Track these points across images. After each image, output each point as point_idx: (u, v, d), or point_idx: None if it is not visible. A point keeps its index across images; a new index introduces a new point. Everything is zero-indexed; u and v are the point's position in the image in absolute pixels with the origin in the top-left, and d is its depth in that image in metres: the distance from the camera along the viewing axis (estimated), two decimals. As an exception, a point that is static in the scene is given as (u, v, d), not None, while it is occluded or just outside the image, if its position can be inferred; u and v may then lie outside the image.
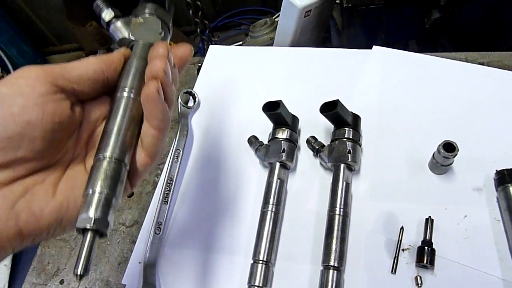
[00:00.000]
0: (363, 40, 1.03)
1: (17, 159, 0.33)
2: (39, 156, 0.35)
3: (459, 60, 0.83)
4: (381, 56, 0.86)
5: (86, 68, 0.38)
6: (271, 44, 2.16)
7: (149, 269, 0.69)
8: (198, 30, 1.50)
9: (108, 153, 0.37)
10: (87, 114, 0.41)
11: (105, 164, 0.37)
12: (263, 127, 0.78)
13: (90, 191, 0.35)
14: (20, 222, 0.32)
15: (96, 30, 2.31)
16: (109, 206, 0.36)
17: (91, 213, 0.34)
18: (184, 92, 0.87)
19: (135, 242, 0.75)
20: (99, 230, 0.34)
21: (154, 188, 0.81)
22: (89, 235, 0.33)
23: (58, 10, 2.92)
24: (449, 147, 0.65)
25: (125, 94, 0.40)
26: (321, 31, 1.15)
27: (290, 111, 0.76)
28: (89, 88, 0.39)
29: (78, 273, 0.32)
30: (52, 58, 3.31)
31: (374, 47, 0.87)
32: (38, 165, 0.35)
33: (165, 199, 0.74)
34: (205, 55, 0.99)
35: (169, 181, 0.76)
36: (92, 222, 0.33)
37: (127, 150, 0.39)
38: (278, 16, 2.76)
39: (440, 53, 0.85)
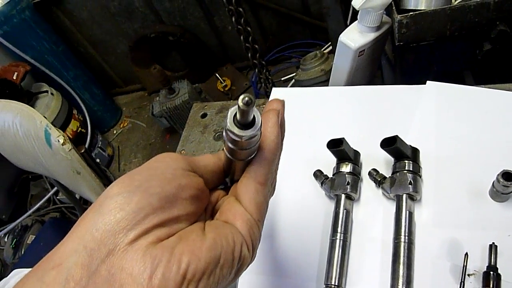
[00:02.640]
0: (416, 74, 1.09)
1: (173, 217, 0.37)
2: (188, 217, 0.39)
3: (514, 91, 0.86)
4: (434, 90, 0.92)
5: (208, 160, 0.46)
6: (322, 76, 2.25)
7: (231, 292, 0.78)
8: (256, 70, 1.62)
9: None
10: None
11: None
12: (327, 162, 0.86)
13: None
14: (183, 264, 0.34)
15: (160, 73, 2.53)
16: None
17: None
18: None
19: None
20: None
21: (231, 219, 0.90)
22: None
23: (124, 56, 3.21)
24: (508, 176, 0.69)
25: None
26: (374, 67, 1.22)
27: (351, 146, 0.83)
28: (210, 177, 0.46)
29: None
30: (118, 98, 3.61)
31: (428, 82, 0.93)
32: (186, 225, 0.39)
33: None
34: (265, 91, 1.10)
35: (244, 212, 0.85)
36: None
37: None
38: (328, 47, 2.85)
39: (495, 84, 0.89)
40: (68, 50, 2.96)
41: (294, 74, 2.67)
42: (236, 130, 0.36)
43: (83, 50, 3.19)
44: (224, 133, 0.39)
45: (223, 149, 0.43)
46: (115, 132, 3.35)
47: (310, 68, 2.28)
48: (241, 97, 0.33)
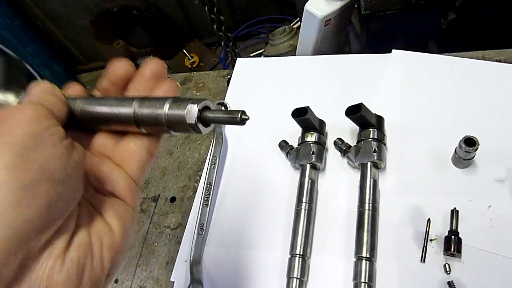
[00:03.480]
0: (382, 43, 1.08)
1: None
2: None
3: (476, 59, 0.87)
4: (400, 58, 0.91)
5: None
6: (291, 51, 2.22)
7: (195, 266, 0.76)
8: (223, 43, 1.57)
9: None
10: None
11: None
12: (292, 132, 0.84)
13: None
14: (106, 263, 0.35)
15: (124, 48, 2.43)
16: None
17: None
18: (217, 103, 0.94)
19: (180, 243, 0.82)
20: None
21: (195, 193, 0.88)
22: None
23: (86, 31, 3.06)
24: (470, 142, 0.69)
25: None
26: (341, 37, 1.20)
27: (316, 115, 0.82)
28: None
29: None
30: (81, 76, 3.47)
31: (394, 50, 0.92)
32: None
33: (205, 202, 0.81)
34: (233, 67, 1.06)
35: (208, 185, 0.83)
36: None
37: None
38: (296, 23, 2.83)
39: (458, 52, 0.89)
40: (24, 25, 2.79)
41: (263, 50, 2.63)
42: (202, 127, 0.36)
43: (40, 24, 3.01)
44: (169, 113, 0.36)
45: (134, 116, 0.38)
46: (78, 111, 3.22)
47: (278, 43, 2.24)
48: (243, 115, 0.36)
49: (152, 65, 0.42)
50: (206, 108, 0.36)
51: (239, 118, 0.36)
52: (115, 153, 0.41)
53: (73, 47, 3.35)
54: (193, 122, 0.35)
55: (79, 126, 0.41)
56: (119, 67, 0.43)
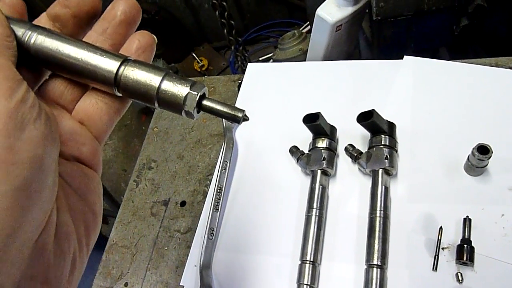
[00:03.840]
0: (393, 50, 1.08)
1: None
2: None
3: (489, 65, 0.86)
4: (412, 65, 0.91)
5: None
6: (300, 55, 2.22)
7: (205, 271, 0.76)
8: (233, 47, 1.57)
9: None
10: None
11: None
12: (303, 138, 0.84)
13: None
14: None
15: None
16: None
17: None
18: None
19: (190, 247, 0.83)
20: None
21: (205, 197, 0.88)
22: None
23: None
24: (483, 150, 0.69)
25: None
26: (351, 43, 1.20)
27: (328, 121, 0.82)
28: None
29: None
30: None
31: (405, 57, 0.91)
32: None
33: (216, 207, 0.81)
34: (242, 71, 1.06)
35: (218, 190, 0.83)
36: None
37: None
38: (306, 27, 2.83)
39: (470, 59, 0.88)
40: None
41: (272, 54, 2.63)
42: (195, 114, 0.34)
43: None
44: (164, 90, 0.33)
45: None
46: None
47: (288, 47, 2.24)
48: (244, 116, 0.33)
49: (125, 6, 0.35)
50: (203, 95, 0.34)
51: (241, 118, 0.33)
52: (79, 109, 0.35)
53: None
54: (191, 110, 0.33)
55: (26, 64, 0.33)
56: None
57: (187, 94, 0.33)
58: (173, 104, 0.33)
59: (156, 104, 0.34)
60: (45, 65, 0.34)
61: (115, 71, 0.33)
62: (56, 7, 0.34)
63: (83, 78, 0.34)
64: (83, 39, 0.36)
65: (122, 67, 0.33)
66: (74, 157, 0.33)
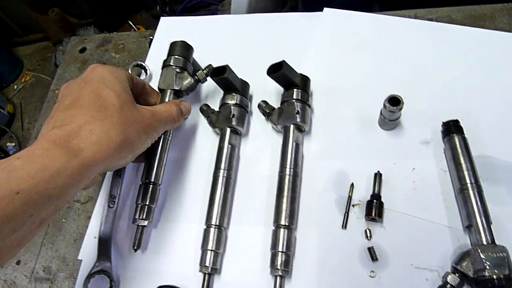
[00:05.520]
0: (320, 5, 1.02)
1: None
2: None
3: (408, 17, 0.83)
4: (331, 17, 0.86)
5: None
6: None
7: (104, 242, 0.69)
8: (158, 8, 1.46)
9: None
10: None
11: None
12: (215, 96, 0.77)
13: None
14: None
15: (59, 17, 2.24)
16: None
17: None
18: (134, 65, 0.85)
19: (90, 218, 0.74)
20: None
21: (108, 163, 0.79)
22: None
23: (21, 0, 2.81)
24: (394, 101, 0.65)
25: None
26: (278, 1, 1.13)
27: (243, 77, 0.75)
28: None
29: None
30: (18, 50, 3.21)
31: (325, 9, 0.86)
32: None
33: (117, 172, 0.73)
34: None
35: (121, 154, 0.75)
36: None
37: None
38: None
39: (390, 11, 0.85)
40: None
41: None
42: None
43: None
44: None
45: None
46: (15, 87, 2.98)
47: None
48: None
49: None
50: None
51: None
52: None
53: (7, 18, 3.09)
54: None
55: None
56: None
57: None
58: None
59: None
60: None
61: None
62: None
63: None
64: None
65: None
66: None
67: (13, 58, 3.03)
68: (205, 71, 0.73)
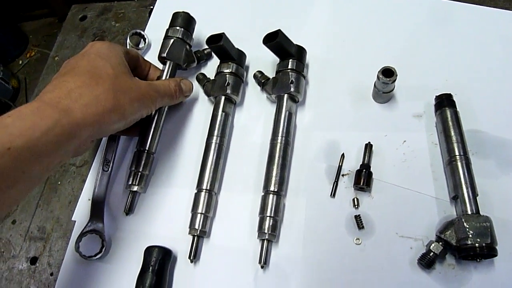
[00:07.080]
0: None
1: None
2: None
3: (408, -8, 0.82)
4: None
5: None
6: None
7: (97, 204, 0.70)
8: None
9: None
10: None
11: None
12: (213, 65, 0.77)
13: None
14: None
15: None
16: None
17: None
18: (133, 33, 0.86)
19: (85, 181, 0.76)
20: None
21: (104, 128, 0.80)
22: None
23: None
24: (388, 73, 0.66)
25: None
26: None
27: (240, 47, 0.75)
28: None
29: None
30: (24, 25, 3.20)
31: (325, -18, 0.86)
32: None
33: (112, 137, 0.74)
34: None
35: (117, 119, 0.76)
36: None
37: None
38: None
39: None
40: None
41: None
42: None
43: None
44: None
45: None
46: (20, 62, 2.99)
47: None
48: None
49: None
50: None
51: None
52: None
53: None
54: None
55: None
56: None
57: None
58: None
59: None
60: None
61: None
62: None
63: None
64: None
65: None
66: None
67: (19, 33, 3.03)
68: (206, 51, 0.75)
